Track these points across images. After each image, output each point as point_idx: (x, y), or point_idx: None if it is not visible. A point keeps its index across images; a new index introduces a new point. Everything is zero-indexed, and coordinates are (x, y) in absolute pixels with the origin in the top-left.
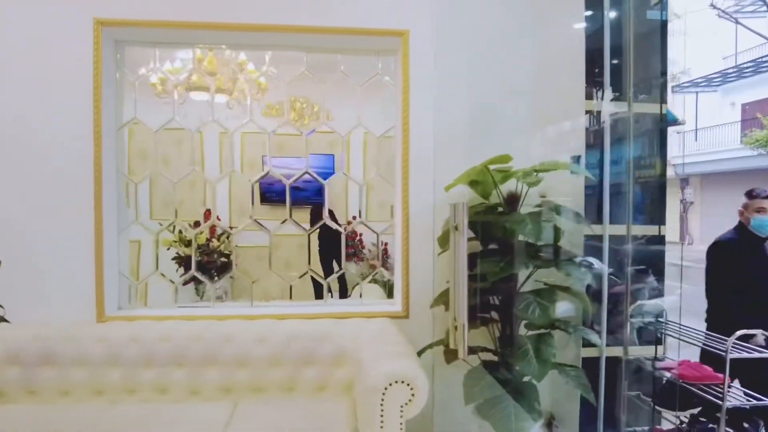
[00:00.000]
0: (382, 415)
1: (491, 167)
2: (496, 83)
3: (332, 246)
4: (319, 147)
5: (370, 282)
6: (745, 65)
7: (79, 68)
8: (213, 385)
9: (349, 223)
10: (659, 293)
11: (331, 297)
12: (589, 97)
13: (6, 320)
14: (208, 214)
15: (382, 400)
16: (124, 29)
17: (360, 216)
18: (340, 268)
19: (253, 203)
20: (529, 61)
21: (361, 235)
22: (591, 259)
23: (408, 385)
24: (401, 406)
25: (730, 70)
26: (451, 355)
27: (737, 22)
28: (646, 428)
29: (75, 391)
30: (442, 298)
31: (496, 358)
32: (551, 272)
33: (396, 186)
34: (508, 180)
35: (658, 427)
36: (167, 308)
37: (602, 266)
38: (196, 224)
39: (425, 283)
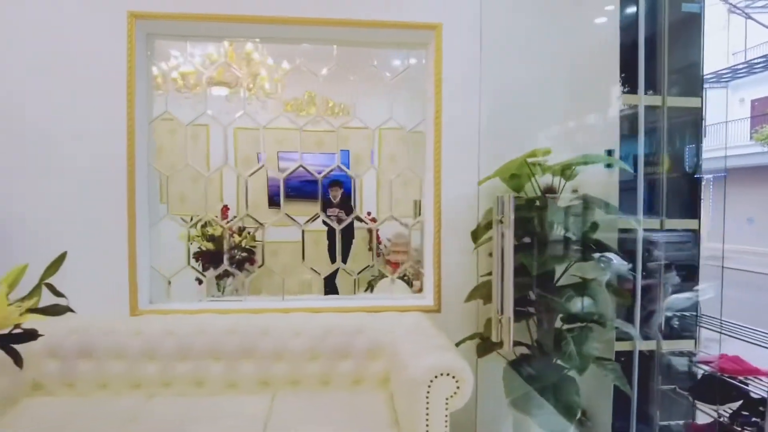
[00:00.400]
0: (427, 408)
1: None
2: (529, 77)
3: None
4: (324, 144)
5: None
6: (756, 61)
7: (113, 62)
8: (250, 378)
9: (373, 220)
10: (680, 289)
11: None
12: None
13: (71, 310)
14: (225, 209)
15: (428, 392)
16: (155, 22)
17: (373, 212)
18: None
19: (282, 198)
20: (562, 54)
21: (378, 230)
22: (610, 255)
23: (453, 377)
24: (446, 399)
25: (740, 66)
26: (484, 349)
27: (748, 17)
28: (681, 422)
29: (112, 384)
30: (479, 292)
31: (530, 352)
32: (584, 266)
33: (425, 180)
34: (544, 174)
35: (694, 421)
36: (198, 302)
37: (622, 261)
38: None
39: (456, 277)
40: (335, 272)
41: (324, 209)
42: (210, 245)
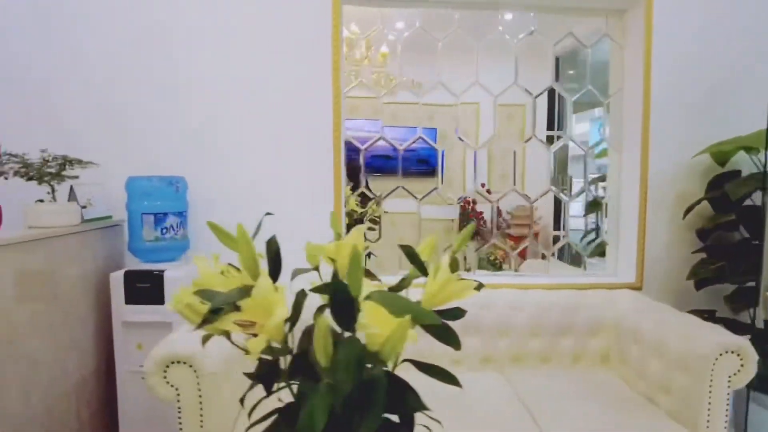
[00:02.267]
0: (710, 385)
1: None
2: (743, 45)
3: None
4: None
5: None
6: None
7: (317, 31)
8: (474, 355)
9: (489, 192)
10: None
11: None
12: None
13: (483, 285)
14: None
15: (712, 369)
16: None
17: (484, 186)
18: None
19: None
20: None
21: (478, 207)
22: None
23: (738, 355)
24: (729, 377)
25: None
26: None
27: None
28: None
29: None
30: (705, 270)
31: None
32: None
33: (623, 153)
34: None
35: None
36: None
37: None
38: None
39: (656, 253)
40: None
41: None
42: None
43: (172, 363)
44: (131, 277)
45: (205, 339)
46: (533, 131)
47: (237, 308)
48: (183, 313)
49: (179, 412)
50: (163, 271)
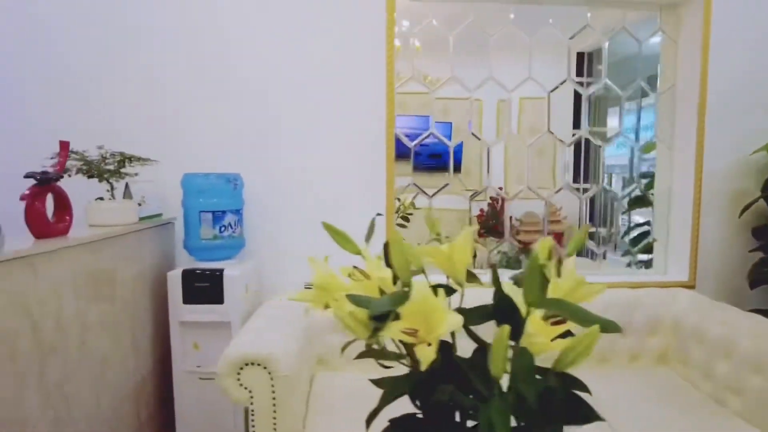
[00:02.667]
0: None
1: None
2: None
3: None
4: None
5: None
6: None
7: (371, 26)
8: None
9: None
10: None
11: None
12: None
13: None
14: None
15: None
16: None
17: (499, 189)
18: None
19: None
20: None
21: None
22: None
23: None
24: None
25: None
26: None
27: None
28: None
29: None
30: (763, 269)
31: None
32: None
33: (674, 148)
34: None
35: None
36: None
37: None
38: None
39: (709, 252)
40: None
41: None
42: None
43: (247, 365)
44: (189, 276)
45: (345, 347)
46: (581, 126)
47: (396, 315)
48: (345, 322)
49: (252, 414)
50: (222, 270)
